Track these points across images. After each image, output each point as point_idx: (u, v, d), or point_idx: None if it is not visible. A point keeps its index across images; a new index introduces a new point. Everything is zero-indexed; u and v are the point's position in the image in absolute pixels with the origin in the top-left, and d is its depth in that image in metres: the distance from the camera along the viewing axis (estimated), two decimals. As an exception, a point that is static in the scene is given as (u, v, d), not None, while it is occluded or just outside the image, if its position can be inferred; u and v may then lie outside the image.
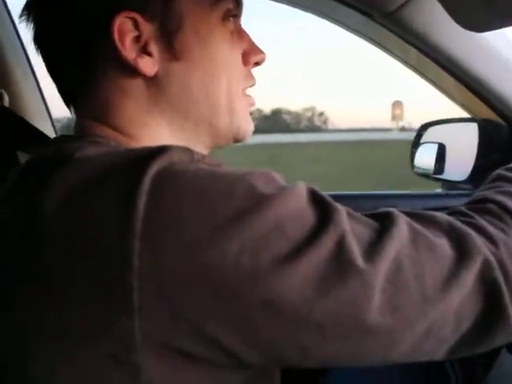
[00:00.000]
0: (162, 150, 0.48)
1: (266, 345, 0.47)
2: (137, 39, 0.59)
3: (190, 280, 0.44)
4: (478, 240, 0.54)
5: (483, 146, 1.31)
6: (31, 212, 0.49)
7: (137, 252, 0.43)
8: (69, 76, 0.62)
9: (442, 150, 1.45)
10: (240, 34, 0.67)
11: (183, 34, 0.60)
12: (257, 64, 0.69)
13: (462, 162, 1.42)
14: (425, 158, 1.48)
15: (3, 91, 1.09)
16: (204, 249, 0.44)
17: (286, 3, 1.12)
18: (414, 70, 1.22)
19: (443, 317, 0.51)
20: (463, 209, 0.61)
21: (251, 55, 0.68)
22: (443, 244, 0.53)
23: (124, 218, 0.44)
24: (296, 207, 0.48)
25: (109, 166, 0.48)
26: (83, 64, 0.60)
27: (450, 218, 0.57)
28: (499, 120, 1.24)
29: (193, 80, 0.62)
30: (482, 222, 0.58)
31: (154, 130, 0.62)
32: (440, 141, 1.46)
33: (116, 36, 0.57)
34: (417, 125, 1.55)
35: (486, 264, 0.53)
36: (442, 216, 0.57)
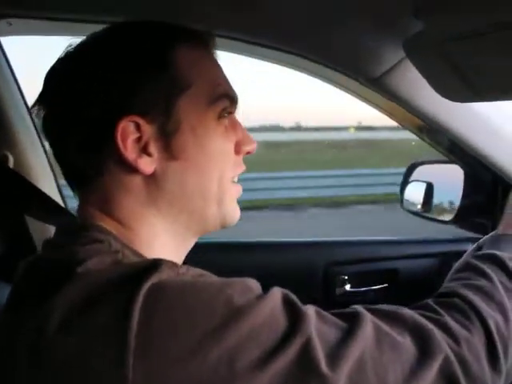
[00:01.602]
0: (152, 268, 0.54)
1: None
2: (138, 140, 0.64)
3: None
4: (441, 337, 0.60)
5: (468, 187, 1.37)
6: (37, 330, 0.54)
7: (131, 366, 0.49)
8: (73, 165, 0.68)
9: (430, 189, 1.51)
10: (234, 126, 0.72)
11: (181, 134, 0.65)
12: (248, 153, 0.74)
13: (448, 202, 1.48)
14: (413, 195, 1.54)
15: (8, 153, 1.14)
16: (187, 359, 0.50)
17: (281, 64, 1.17)
18: (396, 120, 1.27)
19: None
20: (431, 303, 0.66)
21: (243, 145, 0.72)
22: (406, 343, 0.59)
23: (120, 336, 0.50)
24: (269, 315, 0.54)
25: (105, 285, 0.54)
26: (88, 158, 0.65)
27: (415, 315, 0.62)
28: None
29: (188, 176, 0.66)
30: (446, 319, 0.63)
31: (150, 223, 0.67)
32: (428, 180, 1.52)
33: (119, 138, 0.62)
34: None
35: (446, 361, 0.59)
36: (407, 313, 0.62)
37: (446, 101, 1.05)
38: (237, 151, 0.72)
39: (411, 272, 1.41)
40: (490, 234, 0.85)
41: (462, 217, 1.40)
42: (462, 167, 1.37)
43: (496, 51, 0.83)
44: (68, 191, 0.75)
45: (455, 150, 1.30)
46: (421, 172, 1.55)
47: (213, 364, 0.50)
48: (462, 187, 1.38)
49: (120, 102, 0.63)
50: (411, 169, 1.56)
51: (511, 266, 0.71)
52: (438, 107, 1.10)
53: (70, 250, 0.60)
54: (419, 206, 1.51)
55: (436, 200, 1.49)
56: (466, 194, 1.37)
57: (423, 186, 1.51)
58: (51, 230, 0.70)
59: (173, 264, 0.57)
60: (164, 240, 0.67)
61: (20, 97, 1.19)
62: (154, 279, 0.53)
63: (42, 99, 0.68)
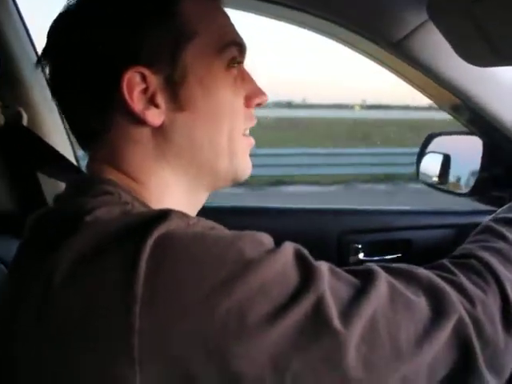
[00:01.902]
0: (161, 217, 0.53)
1: None
2: (144, 91, 0.63)
3: (184, 339, 0.49)
4: (455, 298, 0.59)
5: (486, 160, 1.34)
6: (46, 277, 0.53)
7: (138, 315, 0.49)
8: (81, 121, 0.67)
9: (446, 161, 1.48)
10: (244, 78, 0.70)
11: (188, 85, 0.64)
12: (259, 105, 0.73)
13: (465, 175, 1.46)
14: (430, 167, 1.51)
15: (22, 110, 1.13)
16: (196, 311, 0.49)
17: (296, 24, 1.15)
18: (416, 88, 1.24)
19: (416, 370, 0.56)
20: (447, 263, 0.65)
21: (253, 98, 0.71)
22: (421, 302, 0.58)
23: (127, 285, 0.49)
24: (281, 270, 0.53)
25: (113, 234, 0.53)
26: (95, 112, 0.64)
27: (431, 275, 0.61)
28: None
29: (196, 128, 0.66)
30: (462, 279, 0.62)
31: (160, 176, 0.66)
32: (445, 152, 1.49)
33: (125, 90, 0.61)
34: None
35: (460, 322, 0.58)
36: (422, 273, 0.61)
37: (470, 67, 1.02)
38: (247, 104, 0.71)
39: (425, 242, 1.39)
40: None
41: (480, 190, 1.37)
42: (481, 138, 1.33)
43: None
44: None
45: (475, 119, 1.27)
46: (438, 143, 1.52)
47: (222, 317, 0.49)
48: (481, 159, 1.36)
49: (124, 53, 0.62)
50: (428, 140, 1.53)
51: None
52: (461, 73, 1.07)
53: (78, 202, 0.59)
54: (435, 178, 1.49)
55: (453, 172, 1.46)
56: (484, 167, 1.34)
57: (440, 158, 1.49)
58: (63, 187, 0.70)
59: (183, 214, 0.56)
60: (175, 194, 0.67)
61: (33, 52, 1.19)
62: (162, 229, 0.52)
63: (45, 54, 0.67)
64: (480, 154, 1.35)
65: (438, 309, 0.58)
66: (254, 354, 0.50)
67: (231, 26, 0.70)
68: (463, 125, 1.35)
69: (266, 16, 1.09)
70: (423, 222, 1.44)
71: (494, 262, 0.65)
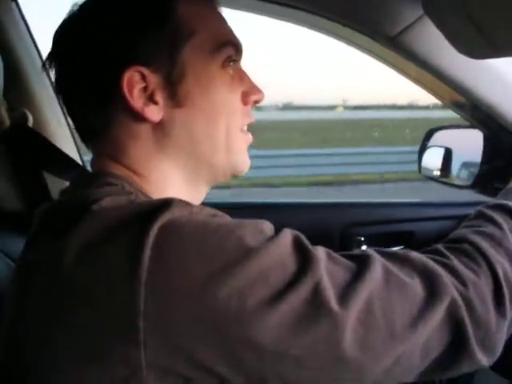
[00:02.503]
0: (164, 206, 0.56)
1: (251, 372, 0.55)
2: (144, 89, 0.66)
3: (187, 320, 0.52)
4: (448, 280, 0.61)
5: (487, 152, 1.35)
6: (55, 262, 0.56)
7: (142, 298, 0.52)
8: (85, 119, 0.71)
9: (448, 155, 1.49)
10: (240, 76, 0.73)
11: (186, 83, 0.67)
12: (256, 102, 0.75)
13: (467, 167, 1.47)
14: (432, 161, 1.52)
15: (27, 111, 1.15)
16: (198, 295, 0.52)
17: (293, 22, 1.16)
18: (416, 83, 1.25)
19: (411, 349, 0.59)
20: (441, 248, 0.67)
21: (250, 95, 0.74)
22: (415, 284, 0.60)
23: (132, 269, 0.52)
24: (279, 257, 0.56)
25: (119, 221, 0.56)
26: (98, 110, 0.68)
27: (424, 258, 0.64)
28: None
29: (194, 124, 0.69)
30: (455, 262, 0.64)
31: (160, 169, 0.69)
32: (447, 145, 1.50)
33: (125, 88, 0.65)
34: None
35: (453, 303, 0.60)
36: (416, 256, 0.64)
37: (467, 59, 1.03)
38: (244, 101, 0.73)
39: (428, 234, 1.40)
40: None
41: (481, 182, 1.38)
42: (481, 131, 1.34)
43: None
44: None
45: (475, 112, 1.28)
46: (439, 137, 1.53)
47: (223, 302, 0.52)
48: (482, 152, 1.37)
49: (124, 54, 0.65)
50: (429, 134, 1.54)
51: None
52: (458, 66, 1.08)
53: (84, 193, 0.62)
54: (437, 172, 1.50)
55: (455, 165, 1.47)
56: (485, 159, 1.35)
57: (441, 152, 1.50)
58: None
59: (186, 203, 0.59)
60: (175, 186, 0.70)
61: (36, 54, 1.21)
62: (166, 216, 0.55)
63: (51, 56, 0.71)
64: (481, 147, 1.37)
65: (432, 290, 0.60)
66: (254, 338, 0.52)
67: (227, 26, 0.73)
68: (463, 118, 1.36)
69: (262, 14, 1.10)
70: (425, 214, 1.45)
71: (486, 245, 0.67)
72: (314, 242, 0.61)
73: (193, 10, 0.69)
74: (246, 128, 0.75)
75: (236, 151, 0.73)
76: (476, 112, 1.26)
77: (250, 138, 0.76)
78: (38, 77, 1.21)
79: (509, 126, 1.20)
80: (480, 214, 0.74)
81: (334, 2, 1.01)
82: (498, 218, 0.71)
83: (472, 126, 1.39)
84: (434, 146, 1.53)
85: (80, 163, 1.24)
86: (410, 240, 1.40)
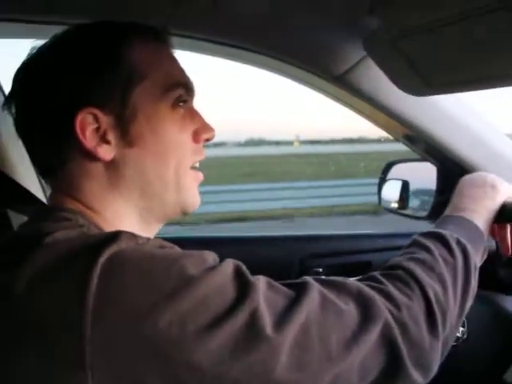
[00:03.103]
0: (112, 238, 0.59)
1: None
2: (97, 130, 0.69)
3: (131, 347, 0.54)
4: (382, 304, 0.65)
5: (440, 184, 1.40)
6: (6, 292, 0.58)
7: (89, 324, 0.54)
8: (42, 157, 0.73)
9: (405, 187, 1.54)
10: (192, 115, 0.76)
11: (137, 124, 0.70)
12: (207, 140, 0.78)
13: (423, 199, 1.52)
14: (390, 193, 1.58)
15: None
16: (141, 323, 0.54)
17: (240, 61, 1.21)
18: (368, 119, 1.31)
19: (347, 370, 0.62)
20: (377, 275, 0.71)
21: (201, 133, 0.76)
22: (350, 309, 0.63)
23: (80, 296, 0.55)
24: (220, 285, 0.59)
25: (70, 252, 0.59)
26: (53, 149, 0.70)
27: (360, 285, 0.67)
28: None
29: (145, 163, 0.71)
30: (389, 287, 0.68)
31: (114, 206, 0.72)
32: (404, 178, 1.56)
33: (78, 129, 0.68)
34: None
35: (387, 325, 0.64)
36: (352, 283, 0.67)
37: (409, 96, 1.09)
38: (195, 139, 0.76)
39: (384, 264, 1.43)
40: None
41: (436, 213, 1.42)
42: (434, 164, 1.40)
43: (444, 45, 0.87)
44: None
45: (426, 146, 1.34)
46: (397, 170, 1.59)
47: (165, 327, 0.54)
48: (436, 184, 1.42)
49: (78, 97, 0.68)
50: (388, 167, 1.60)
51: (451, 241, 0.75)
52: (401, 102, 1.14)
53: (39, 226, 0.65)
54: (395, 204, 1.55)
55: (412, 197, 1.53)
56: (439, 191, 1.41)
57: (399, 184, 1.55)
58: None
59: (132, 235, 0.61)
60: (128, 223, 0.72)
61: (2, 96, 1.25)
62: (113, 248, 0.57)
63: (11, 97, 0.74)
64: (435, 180, 1.43)
65: (366, 315, 0.63)
66: (195, 362, 0.55)
67: (178, 67, 0.77)
68: (416, 152, 1.42)
69: (209, 54, 1.16)
70: (382, 245, 1.49)
71: (419, 271, 0.70)
72: (274, 274, 0.65)
73: (145, 53, 0.72)
74: (197, 165, 0.78)
75: (186, 189, 0.75)
76: (426, 146, 1.33)
77: (200, 175, 0.77)
78: (3, 118, 1.24)
79: (456, 159, 1.26)
80: (414, 242, 0.79)
81: (280, 44, 1.07)
82: (431, 245, 0.75)
83: (425, 160, 1.45)
84: (392, 179, 1.59)
85: (44, 200, 1.27)
86: (368, 270, 1.41)
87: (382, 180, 1.60)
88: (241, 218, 8.81)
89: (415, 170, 1.57)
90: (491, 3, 0.69)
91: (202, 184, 0.79)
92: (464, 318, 0.96)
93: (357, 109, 1.27)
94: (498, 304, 0.97)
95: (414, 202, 1.52)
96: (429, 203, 1.46)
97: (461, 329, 0.96)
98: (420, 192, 1.54)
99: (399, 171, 1.59)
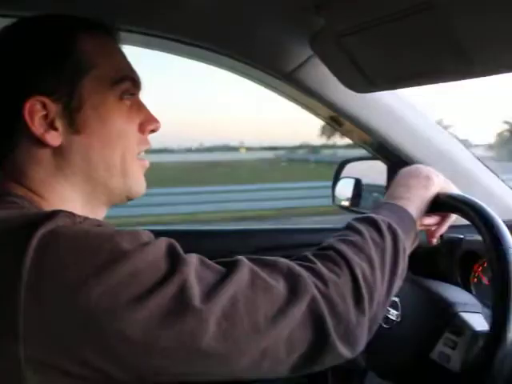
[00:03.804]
0: (49, 216, 0.61)
1: (126, 365, 0.59)
2: (45, 117, 0.72)
3: (64, 318, 0.57)
4: (311, 281, 0.68)
5: (391, 181, 1.44)
6: None
7: (23, 296, 0.56)
8: None
9: (358, 185, 1.59)
10: (138, 107, 0.80)
11: (84, 112, 0.73)
12: (153, 131, 0.82)
13: (374, 197, 1.57)
14: (343, 191, 1.62)
15: None
16: (75, 293, 0.57)
17: (193, 59, 1.24)
18: (318, 117, 1.35)
19: (275, 343, 0.65)
20: (308, 254, 0.75)
21: (147, 125, 0.80)
22: (279, 286, 0.67)
23: (15, 270, 0.57)
24: (152, 259, 0.62)
25: (9, 229, 0.61)
26: (4, 135, 0.73)
27: (291, 264, 0.71)
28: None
29: (92, 150, 0.74)
30: (319, 266, 0.71)
31: (60, 191, 0.74)
32: (357, 176, 1.60)
33: (27, 116, 0.71)
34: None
35: (314, 300, 0.67)
36: (283, 262, 0.71)
37: (354, 93, 1.13)
38: (141, 131, 0.80)
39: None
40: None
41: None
42: (384, 162, 1.45)
43: (382, 43, 0.92)
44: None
45: (375, 145, 1.38)
46: (350, 169, 1.63)
47: (96, 298, 0.57)
48: (386, 181, 1.46)
49: (27, 85, 0.71)
50: (341, 166, 1.64)
51: (381, 225, 0.79)
52: (347, 99, 1.18)
53: None
54: (347, 202, 1.59)
55: (364, 194, 1.57)
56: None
57: (352, 182, 1.60)
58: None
59: (71, 213, 0.64)
60: (72, 207, 0.73)
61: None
62: (50, 224, 0.60)
63: None
64: (385, 178, 1.47)
65: (294, 290, 0.67)
66: (125, 332, 0.58)
67: (126, 62, 0.80)
68: (367, 151, 1.47)
69: (170, 53, 1.18)
70: (301, 240, 1.50)
71: (348, 251, 0.74)
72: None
73: (93, 45, 0.75)
74: (142, 154, 0.81)
75: (131, 175, 0.78)
76: (374, 143, 1.37)
77: (145, 163, 0.82)
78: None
79: (403, 156, 1.30)
80: (348, 225, 0.82)
81: (229, 40, 1.10)
82: (363, 228, 0.79)
83: (376, 158, 1.49)
84: (345, 178, 1.63)
85: None
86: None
87: (336, 178, 1.65)
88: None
89: (368, 168, 1.62)
90: (417, 4, 0.73)
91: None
92: (399, 303, 1.02)
93: (308, 107, 1.30)
94: (432, 289, 1.01)
95: (366, 200, 1.57)
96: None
97: (395, 312, 1.01)
98: (373, 189, 1.59)
99: (352, 170, 1.64)
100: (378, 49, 0.93)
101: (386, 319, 1.01)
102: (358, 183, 1.59)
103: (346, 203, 1.60)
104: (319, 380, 1.35)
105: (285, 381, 1.31)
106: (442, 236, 1.34)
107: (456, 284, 1.16)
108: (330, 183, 1.65)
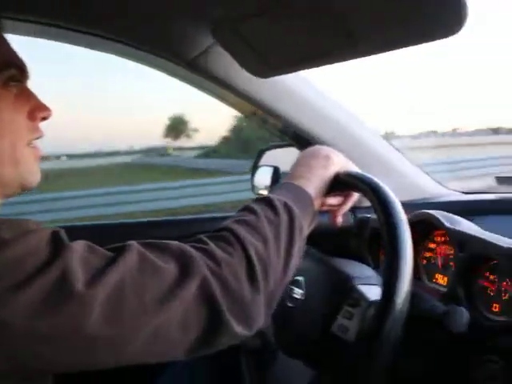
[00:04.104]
0: None
1: (10, 356, 0.57)
2: None
3: None
4: (202, 262, 0.68)
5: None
6: None
7: None
8: None
9: (276, 173, 1.60)
10: (26, 95, 0.77)
11: None
12: (44, 119, 0.80)
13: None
14: (262, 179, 1.63)
15: None
16: None
17: (93, 48, 1.20)
18: (224, 103, 1.36)
19: (166, 324, 0.65)
20: (203, 237, 0.75)
21: (37, 112, 0.78)
22: (169, 267, 0.67)
23: None
24: (34, 247, 0.60)
25: None
26: None
27: (183, 246, 0.70)
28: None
29: None
30: (211, 247, 0.72)
31: None
32: (275, 164, 1.61)
33: None
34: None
35: (205, 281, 0.67)
36: (175, 245, 0.71)
37: (258, 78, 1.14)
38: (31, 118, 0.77)
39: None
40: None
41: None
42: (298, 148, 1.47)
43: (276, 29, 0.93)
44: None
45: (286, 131, 1.40)
46: (268, 157, 1.65)
47: None
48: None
49: None
50: (260, 154, 1.65)
51: (277, 204, 0.80)
52: (252, 85, 1.18)
53: None
54: (265, 190, 1.60)
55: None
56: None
57: (270, 170, 1.61)
58: None
59: None
60: None
61: None
62: None
63: None
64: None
65: (184, 271, 0.67)
66: (5, 319, 0.56)
67: (9, 48, 0.77)
68: (279, 137, 1.48)
69: (67, 43, 1.14)
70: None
71: (242, 231, 0.75)
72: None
73: None
74: (34, 142, 0.79)
75: (24, 164, 0.76)
76: (286, 131, 1.39)
77: (38, 152, 0.80)
78: None
79: (311, 140, 1.32)
80: (245, 207, 0.83)
81: (130, 29, 1.07)
82: (258, 208, 0.80)
83: (291, 145, 1.51)
84: (263, 166, 1.64)
85: None
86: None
87: (255, 167, 1.66)
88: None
89: (285, 156, 1.64)
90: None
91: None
92: (303, 282, 1.04)
93: (213, 92, 1.30)
94: (336, 267, 1.04)
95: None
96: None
97: (300, 291, 1.02)
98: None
99: (270, 158, 1.65)
100: (273, 34, 0.94)
101: (291, 298, 1.02)
102: (276, 171, 1.60)
103: (264, 192, 1.61)
104: (232, 363, 1.37)
105: (196, 368, 1.33)
106: (354, 216, 1.39)
107: (366, 261, 1.19)
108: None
